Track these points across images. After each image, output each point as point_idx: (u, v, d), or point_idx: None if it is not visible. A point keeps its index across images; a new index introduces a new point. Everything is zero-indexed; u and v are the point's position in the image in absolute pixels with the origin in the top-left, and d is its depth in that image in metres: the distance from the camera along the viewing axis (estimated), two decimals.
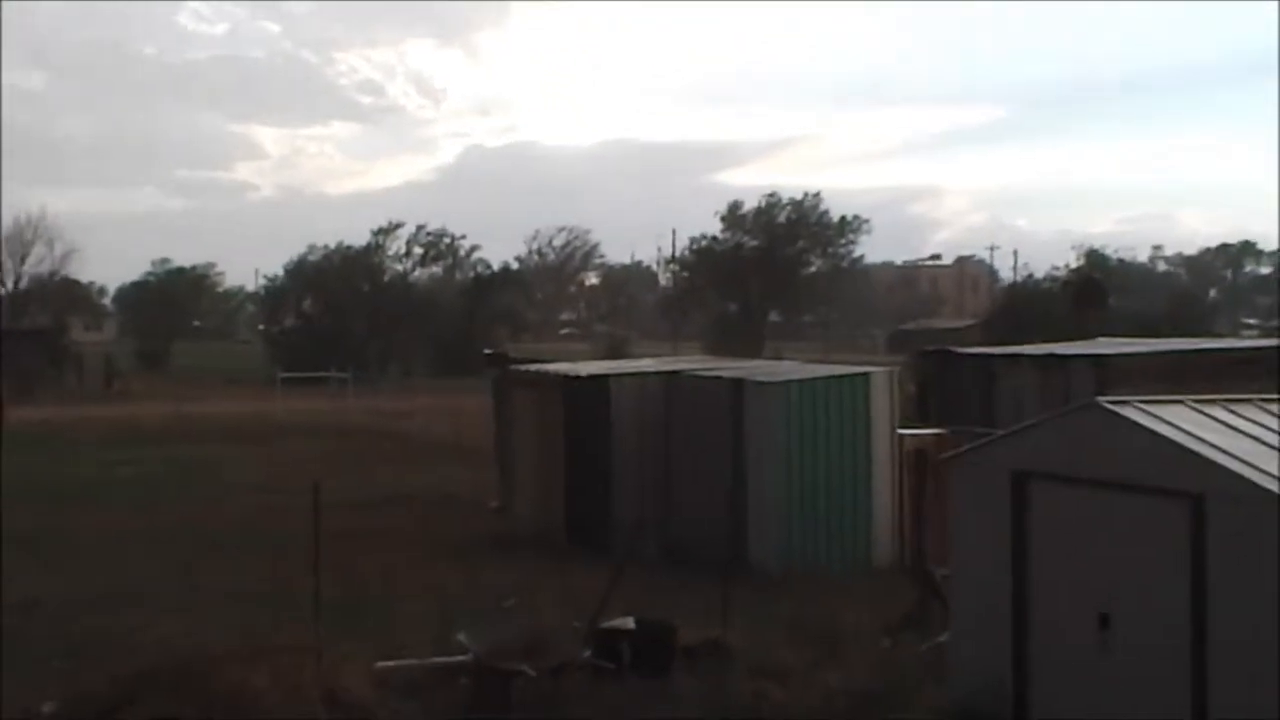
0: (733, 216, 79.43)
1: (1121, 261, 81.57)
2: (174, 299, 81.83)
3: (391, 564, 18.92)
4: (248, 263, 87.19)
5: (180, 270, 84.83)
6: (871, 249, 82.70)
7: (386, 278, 77.19)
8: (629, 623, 13.16)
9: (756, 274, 75.08)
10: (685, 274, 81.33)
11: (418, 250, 78.72)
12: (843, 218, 79.76)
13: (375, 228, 77.75)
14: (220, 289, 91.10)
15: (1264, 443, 10.55)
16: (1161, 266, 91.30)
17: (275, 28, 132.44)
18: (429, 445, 36.04)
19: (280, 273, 77.69)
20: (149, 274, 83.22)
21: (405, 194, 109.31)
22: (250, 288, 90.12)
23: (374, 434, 39.65)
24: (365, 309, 70.77)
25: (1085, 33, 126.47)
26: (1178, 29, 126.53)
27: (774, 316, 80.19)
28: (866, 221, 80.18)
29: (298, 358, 66.43)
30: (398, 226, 78.05)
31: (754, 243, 78.08)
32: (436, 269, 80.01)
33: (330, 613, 13.08)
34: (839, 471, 19.50)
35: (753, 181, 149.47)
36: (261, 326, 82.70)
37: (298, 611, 13.61)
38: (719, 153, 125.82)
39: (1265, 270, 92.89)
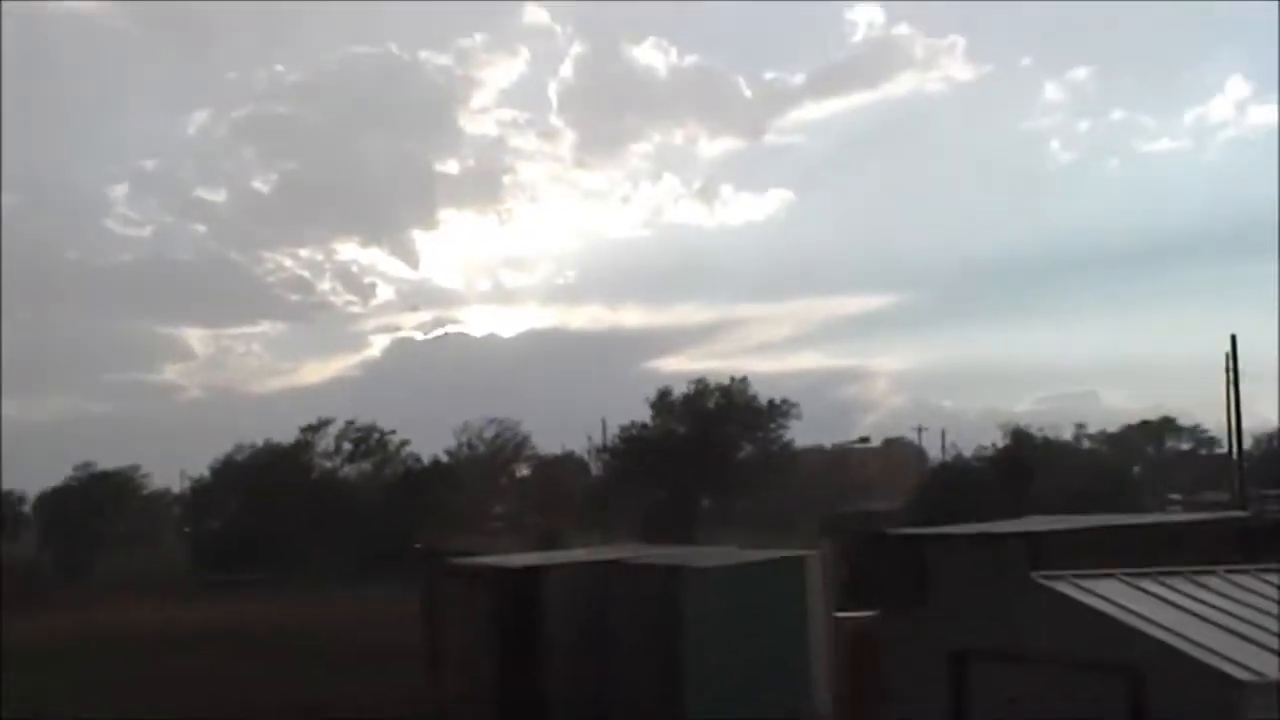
0: (662, 404, 79.82)
1: (1047, 439, 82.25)
2: (96, 504, 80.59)
3: None
4: (174, 464, 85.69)
5: (104, 474, 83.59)
6: (801, 433, 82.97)
7: (315, 475, 76.52)
8: None
9: (687, 460, 75.13)
10: (616, 463, 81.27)
11: (347, 446, 78.23)
12: (771, 402, 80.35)
13: (303, 425, 77.65)
14: (145, 492, 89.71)
15: (1197, 615, 10.62)
16: (1086, 444, 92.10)
17: (202, 228, 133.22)
18: (362, 645, 35.28)
19: (206, 473, 77.07)
20: (70, 479, 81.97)
21: (334, 390, 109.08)
22: (176, 490, 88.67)
23: (305, 636, 38.79)
24: (294, 507, 69.98)
25: (1001, 218, 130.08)
26: (1090, 215, 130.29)
27: (706, 502, 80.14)
28: (795, 405, 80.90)
29: (225, 559, 65.51)
30: (327, 423, 77.80)
31: (683, 429, 78.40)
32: (366, 465, 79.35)
33: None
34: (777, 655, 19.35)
35: (682, 368, 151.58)
36: (187, 529, 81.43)
37: None
38: (647, 341, 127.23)
39: (1186, 446, 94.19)
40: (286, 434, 77.57)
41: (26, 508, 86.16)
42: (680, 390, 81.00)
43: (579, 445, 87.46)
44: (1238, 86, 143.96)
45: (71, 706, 27.20)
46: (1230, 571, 11.66)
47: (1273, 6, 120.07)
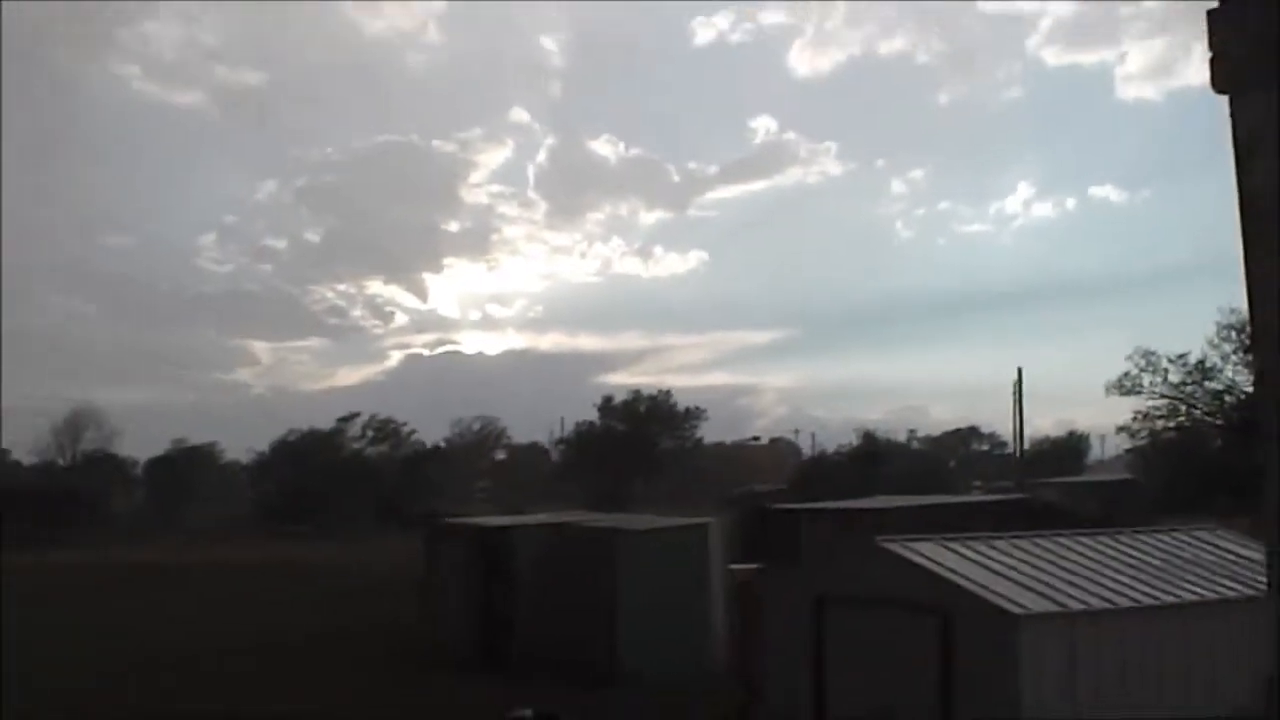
0: (606, 408, 79.68)
1: (889, 440, 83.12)
2: (186, 470, 79.44)
3: (332, 680, 18.18)
4: (243, 443, 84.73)
5: (192, 448, 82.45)
6: (709, 432, 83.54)
7: (346, 454, 76.37)
8: (527, 713, 12.90)
9: (624, 451, 75.13)
10: (570, 451, 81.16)
11: (370, 433, 78.14)
12: (687, 408, 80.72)
13: (338, 416, 77.92)
14: (221, 462, 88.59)
15: (989, 568, 10.64)
16: (915, 444, 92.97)
17: (268, 268, 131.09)
18: (375, 583, 34.72)
19: (266, 450, 76.69)
20: (169, 450, 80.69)
21: (362, 391, 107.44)
22: (244, 461, 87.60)
23: (335, 574, 38.18)
24: (330, 478, 69.51)
25: (860, 277, 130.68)
26: (923, 276, 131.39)
27: (637, 483, 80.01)
28: (705, 411, 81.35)
29: (280, 517, 65.31)
30: (355, 415, 77.68)
31: (622, 428, 78.37)
32: (384, 447, 78.96)
33: None
34: (687, 598, 19.22)
35: (622, 381, 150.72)
36: (250, 494, 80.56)
37: None
38: (596, 361, 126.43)
39: (985, 448, 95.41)
40: (326, 423, 77.63)
41: (138, 470, 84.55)
42: (620, 398, 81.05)
43: (543, 438, 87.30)
44: (1025, 189, 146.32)
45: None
46: (1014, 537, 11.70)
47: (1052, 135, 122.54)
